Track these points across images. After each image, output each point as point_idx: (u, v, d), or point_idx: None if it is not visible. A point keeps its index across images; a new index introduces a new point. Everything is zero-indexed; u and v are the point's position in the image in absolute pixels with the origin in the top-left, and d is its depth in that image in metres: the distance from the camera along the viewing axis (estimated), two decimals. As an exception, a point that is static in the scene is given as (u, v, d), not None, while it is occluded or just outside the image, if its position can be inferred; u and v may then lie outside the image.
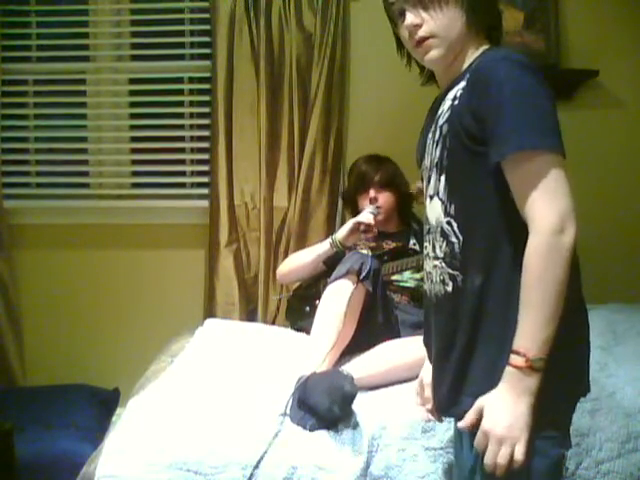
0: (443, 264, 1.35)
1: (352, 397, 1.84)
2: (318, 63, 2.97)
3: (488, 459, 1.22)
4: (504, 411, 1.21)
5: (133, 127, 3.27)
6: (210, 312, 3.03)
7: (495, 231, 1.29)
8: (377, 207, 2.59)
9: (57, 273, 3.20)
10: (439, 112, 1.37)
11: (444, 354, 1.36)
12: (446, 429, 1.83)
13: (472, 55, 1.36)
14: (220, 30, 3.00)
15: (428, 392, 1.51)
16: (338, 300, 2.19)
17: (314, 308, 2.31)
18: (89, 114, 3.25)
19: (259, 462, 1.77)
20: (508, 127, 1.23)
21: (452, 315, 1.34)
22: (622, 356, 2.18)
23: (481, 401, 1.25)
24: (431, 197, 1.38)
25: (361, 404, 1.91)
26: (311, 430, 1.84)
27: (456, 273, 1.32)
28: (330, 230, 3.02)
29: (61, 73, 3.21)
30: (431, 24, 1.34)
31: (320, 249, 2.64)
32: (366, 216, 2.54)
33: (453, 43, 1.35)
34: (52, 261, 3.20)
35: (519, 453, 1.20)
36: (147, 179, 3.25)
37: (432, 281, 1.39)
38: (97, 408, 2.70)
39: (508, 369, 1.22)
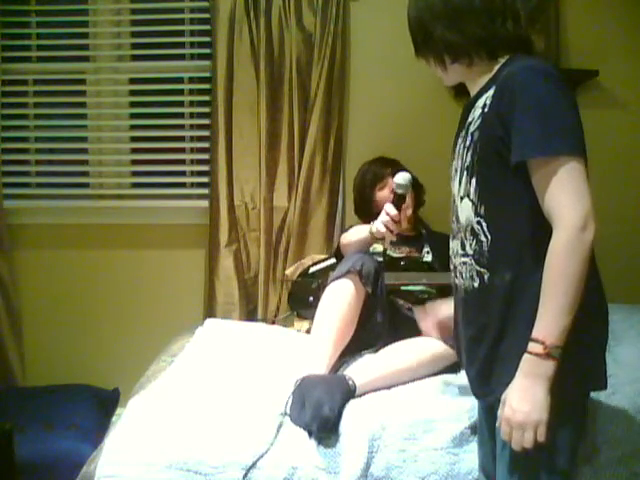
0: (472, 261, 1.45)
1: (331, 422, 1.82)
2: (318, 63, 2.97)
3: (515, 445, 1.33)
4: (522, 398, 1.31)
5: (133, 127, 3.27)
6: (210, 312, 3.03)
7: (522, 230, 1.39)
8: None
9: (57, 273, 3.20)
10: (470, 119, 1.47)
11: (473, 344, 1.48)
12: (447, 429, 1.84)
13: (496, 65, 1.47)
14: (220, 30, 3.00)
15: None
16: (338, 300, 2.19)
17: (317, 299, 2.30)
18: (89, 114, 3.25)
19: (258, 462, 1.77)
20: (533, 132, 1.33)
21: (480, 309, 1.45)
22: (622, 356, 2.18)
23: (504, 395, 1.36)
24: (462, 198, 1.48)
25: (361, 404, 1.92)
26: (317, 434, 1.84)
27: (483, 270, 1.43)
28: (330, 230, 3.02)
29: (61, 73, 3.22)
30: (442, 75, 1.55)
31: (362, 235, 2.41)
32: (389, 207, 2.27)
33: (463, 76, 1.52)
34: (52, 261, 3.20)
35: (541, 436, 1.31)
36: (147, 179, 3.25)
37: (462, 277, 1.49)
38: (97, 408, 2.70)
39: (526, 357, 1.32)
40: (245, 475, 1.75)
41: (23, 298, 3.17)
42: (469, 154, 1.45)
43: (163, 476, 1.75)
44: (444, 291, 2.53)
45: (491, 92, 1.41)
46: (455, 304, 1.57)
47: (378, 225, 2.23)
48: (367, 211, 2.76)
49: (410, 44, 1.56)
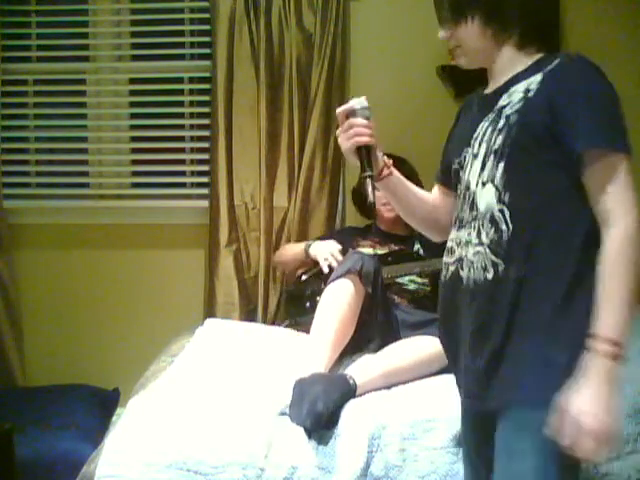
0: (487, 250, 1.37)
1: (324, 417, 1.82)
2: (318, 63, 2.97)
3: (585, 454, 1.25)
4: (600, 404, 1.25)
5: (133, 127, 3.27)
6: (210, 312, 3.03)
7: (547, 223, 1.34)
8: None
9: (57, 273, 3.20)
10: (503, 102, 1.40)
11: (477, 339, 1.38)
12: (447, 429, 1.84)
13: (534, 56, 1.42)
14: (220, 30, 3.00)
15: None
16: (338, 300, 2.19)
17: (315, 305, 2.30)
18: (89, 114, 3.25)
19: (259, 462, 1.77)
20: (601, 123, 1.33)
21: (489, 301, 1.36)
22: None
23: (562, 397, 1.26)
24: (484, 184, 1.40)
25: (361, 404, 1.92)
26: (311, 430, 1.84)
27: (499, 261, 1.35)
28: (330, 230, 3.02)
29: (61, 73, 3.22)
30: (456, 36, 1.45)
31: (297, 250, 2.76)
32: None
33: (479, 51, 1.44)
34: (52, 261, 3.20)
35: (612, 448, 1.26)
36: (147, 179, 3.26)
37: (472, 267, 1.39)
38: (97, 408, 2.70)
39: (598, 360, 1.26)
40: (246, 475, 1.76)
41: (23, 298, 3.17)
42: (500, 137, 1.38)
43: (163, 476, 1.75)
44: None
45: (537, 77, 1.36)
46: (451, 300, 1.45)
47: (319, 253, 2.57)
48: (367, 211, 2.78)
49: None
